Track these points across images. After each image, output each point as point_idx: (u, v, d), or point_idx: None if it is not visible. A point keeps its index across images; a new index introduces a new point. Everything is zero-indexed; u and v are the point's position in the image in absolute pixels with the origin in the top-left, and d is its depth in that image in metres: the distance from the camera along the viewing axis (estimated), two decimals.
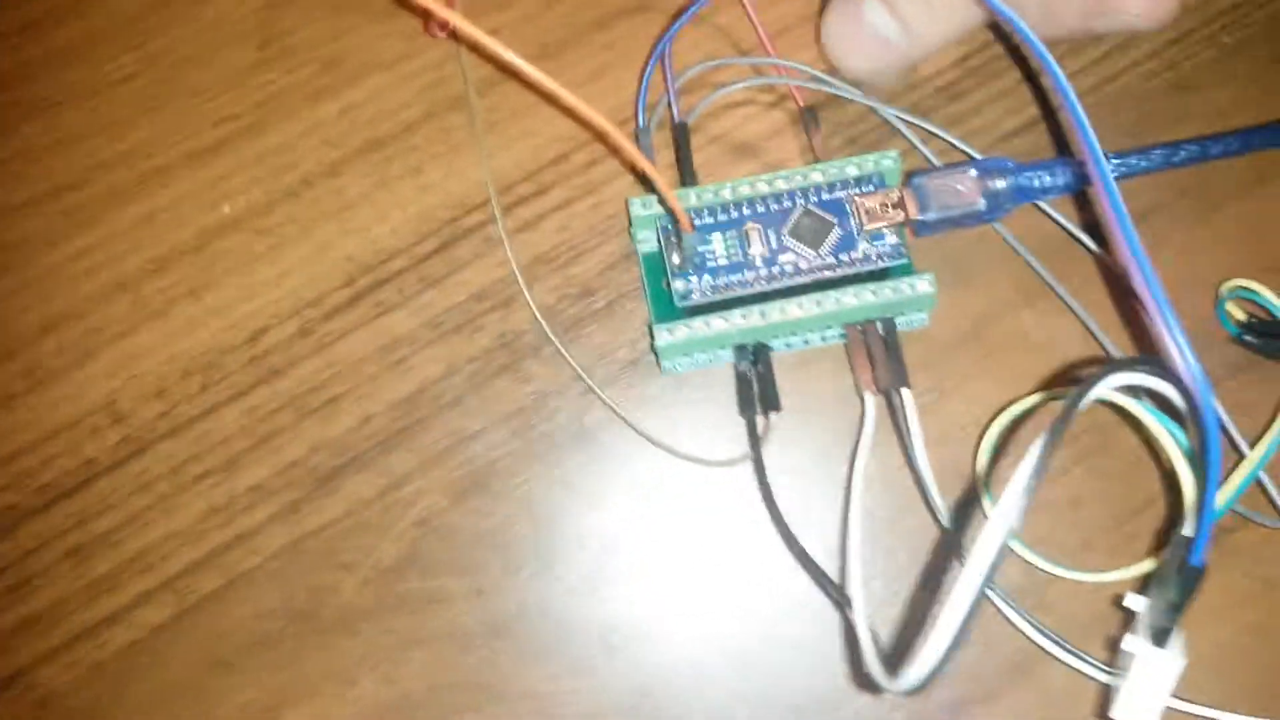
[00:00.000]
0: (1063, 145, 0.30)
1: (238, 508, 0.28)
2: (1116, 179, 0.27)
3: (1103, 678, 0.25)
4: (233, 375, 0.29)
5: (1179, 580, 0.21)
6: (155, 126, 0.31)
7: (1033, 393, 0.27)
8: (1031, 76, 0.31)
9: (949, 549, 0.27)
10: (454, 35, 0.31)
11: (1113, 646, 0.25)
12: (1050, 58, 0.23)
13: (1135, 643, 0.22)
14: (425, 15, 0.31)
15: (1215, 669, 0.27)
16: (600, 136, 0.30)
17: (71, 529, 0.28)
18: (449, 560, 0.28)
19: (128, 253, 0.30)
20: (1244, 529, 0.27)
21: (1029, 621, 0.26)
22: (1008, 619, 0.26)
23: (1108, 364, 0.20)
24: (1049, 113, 0.30)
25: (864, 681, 0.26)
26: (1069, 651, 0.26)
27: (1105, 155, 0.27)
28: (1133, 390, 0.22)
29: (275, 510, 0.28)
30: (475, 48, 0.31)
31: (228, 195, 0.31)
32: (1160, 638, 0.22)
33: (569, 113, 0.30)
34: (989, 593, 0.26)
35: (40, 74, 0.32)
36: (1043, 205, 0.29)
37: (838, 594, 0.25)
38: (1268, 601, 0.27)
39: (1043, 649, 0.26)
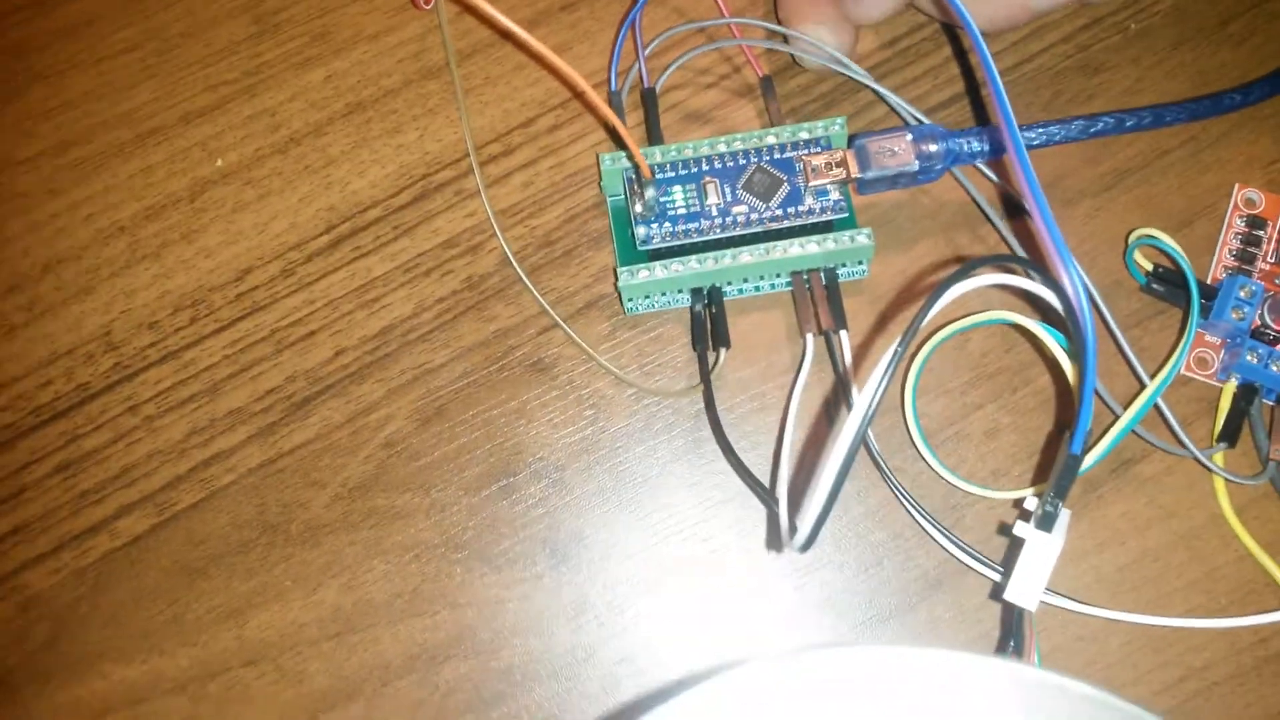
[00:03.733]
0: (984, 118, 0.33)
1: (218, 429, 0.30)
2: (1041, 145, 0.31)
3: None
4: (219, 310, 0.32)
5: (1061, 467, 0.23)
6: (154, 91, 0.34)
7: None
8: (959, 54, 0.34)
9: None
10: None
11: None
12: (979, 34, 0.26)
13: (1024, 529, 0.24)
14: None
15: (1117, 588, 0.29)
16: (578, 95, 0.33)
17: (63, 446, 0.30)
18: (412, 480, 0.30)
19: (125, 201, 0.33)
20: (1147, 459, 0.30)
21: (946, 536, 0.28)
22: (928, 535, 0.29)
23: (972, 260, 0.22)
24: (972, 88, 0.33)
25: (777, 546, 0.29)
26: (981, 562, 0.28)
27: (1031, 125, 0.30)
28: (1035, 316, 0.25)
29: (253, 432, 0.30)
30: (468, 7, 0.33)
31: (220, 151, 0.33)
32: (1046, 523, 0.24)
33: (553, 71, 0.33)
34: (912, 513, 0.29)
35: (50, 44, 0.35)
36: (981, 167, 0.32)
37: (767, 494, 0.27)
38: (1166, 527, 0.29)
39: (959, 561, 0.28)
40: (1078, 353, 0.23)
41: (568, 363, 0.31)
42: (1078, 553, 0.29)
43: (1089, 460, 0.27)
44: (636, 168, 0.30)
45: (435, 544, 0.29)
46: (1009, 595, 0.24)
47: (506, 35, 0.28)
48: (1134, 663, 0.28)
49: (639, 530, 0.30)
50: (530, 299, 0.31)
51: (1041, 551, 0.24)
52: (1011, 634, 0.26)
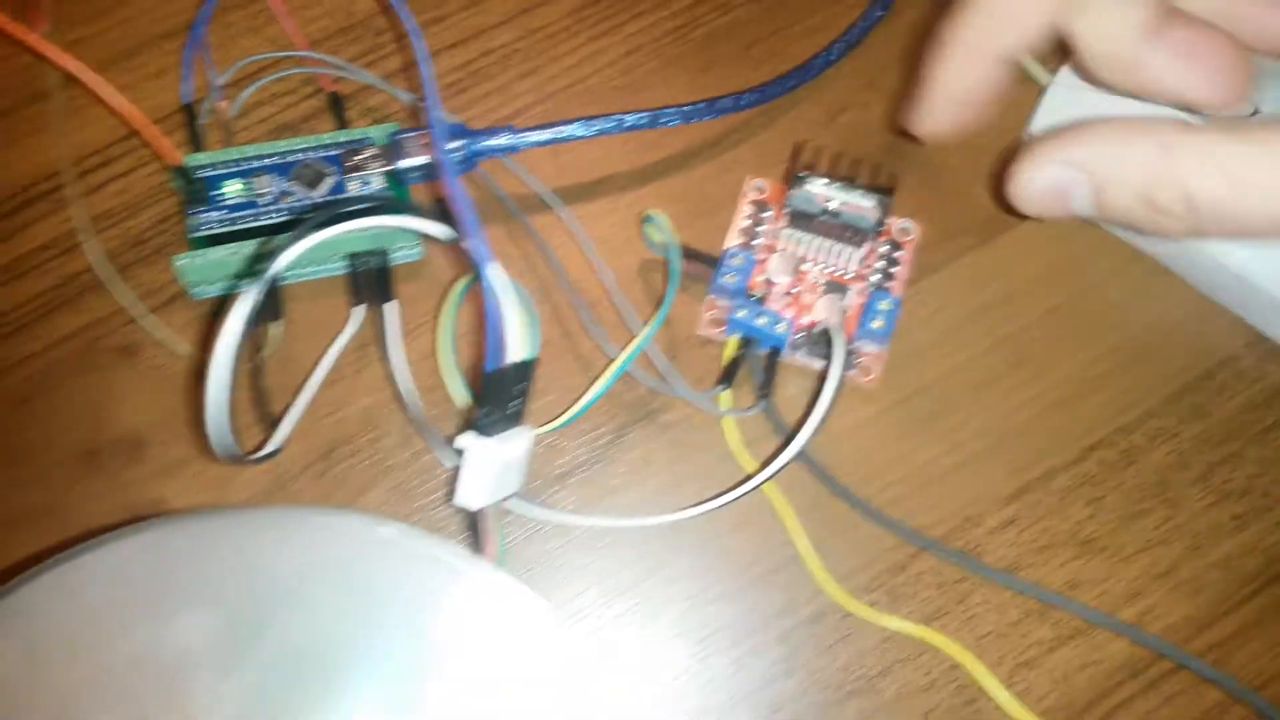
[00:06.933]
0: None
1: None
2: (550, 143, 0.35)
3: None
4: None
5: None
6: None
7: None
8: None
9: None
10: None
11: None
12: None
13: (466, 439, 0.29)
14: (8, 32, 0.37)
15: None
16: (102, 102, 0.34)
17: None
18: None
19: None
20: (670, 409, 0.34)
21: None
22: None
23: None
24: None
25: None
26: None
27: (540, 125, 0.35)
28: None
29: None
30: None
31: None
32: (484, 431, 0.28)
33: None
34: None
35: None
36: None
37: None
38: (683, 464, 0.34)
39: None
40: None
41: (152, 349, 0.34)
42: (604, 490, 0.33)
43: (583, 402, 0.32)
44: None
45: None
46: (457, 500, 0.29)
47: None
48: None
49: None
50: (122, 292, 0.35)
51: (481, 458, 0.28)
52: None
